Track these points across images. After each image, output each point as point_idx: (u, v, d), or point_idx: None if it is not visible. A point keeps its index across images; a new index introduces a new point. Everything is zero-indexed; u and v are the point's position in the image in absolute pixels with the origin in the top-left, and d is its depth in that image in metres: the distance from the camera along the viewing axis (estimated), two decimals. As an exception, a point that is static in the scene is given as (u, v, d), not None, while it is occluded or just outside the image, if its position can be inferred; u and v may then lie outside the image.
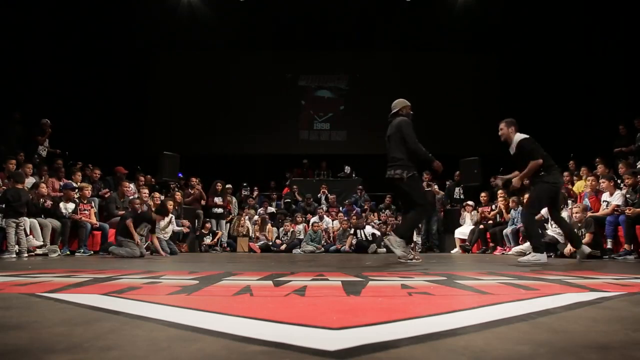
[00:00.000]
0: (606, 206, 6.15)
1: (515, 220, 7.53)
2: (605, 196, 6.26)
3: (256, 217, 9.50)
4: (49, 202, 6.62)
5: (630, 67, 9.25)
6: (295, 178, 11.45)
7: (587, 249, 4.80)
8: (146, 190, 7.91)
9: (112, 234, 7.07)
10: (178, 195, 8.45)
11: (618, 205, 5.95)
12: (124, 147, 11.05)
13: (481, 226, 8.44)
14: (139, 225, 6.18)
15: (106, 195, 7.75)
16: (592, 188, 6.68)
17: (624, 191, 6.16)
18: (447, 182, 10.03)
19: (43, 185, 6.71)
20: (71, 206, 6.86)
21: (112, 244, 6.28)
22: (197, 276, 2.74)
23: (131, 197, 7.57)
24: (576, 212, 5.91)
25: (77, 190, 7.23)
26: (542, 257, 4.47)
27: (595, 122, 9.67)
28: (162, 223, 7.12)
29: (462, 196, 9.64)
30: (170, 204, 7.25)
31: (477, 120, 11.67)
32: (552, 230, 6.54)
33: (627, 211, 5.64)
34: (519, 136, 4.65)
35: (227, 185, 9.86)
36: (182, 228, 8.03)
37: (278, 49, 12.79)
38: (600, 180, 6.46)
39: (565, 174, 8.20)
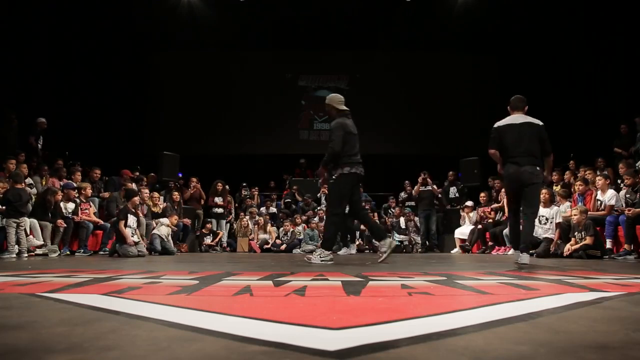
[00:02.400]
0: (600, 205, 6.15)
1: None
2: (598, 195, 6.25)
3: (257, 217, 9.49)
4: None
5: (630, 67, 9.25)
6: (295, 178, 11.45)
7: None
8: (146, 190, 7.92)
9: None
10: (176, 195, 8.45)
11: (612, 206, 5.95)
12: (124, 147, 11.05)
13: (480, 226, 8.43)
14: (127, 219, 6.12)
15: (106, 196, 7.76)
16: (579, 192, 6.68)
17: (623, 191, 6.15)
18: (445, 182, 10.04)
19: (59, 192, 6.73)
20: (71, 206, 6.87)
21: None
22: (197, 276, 2.74)
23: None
24: (575, 214, 5.89)
25: (77, 190, 7.23)
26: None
27: (595, 121, 9.66)
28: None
29: (457, 195, 9.70)
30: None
31: (477, 121, 11.66)
32: (542, 228, 6.53)
33: (627, 211, 5.63)
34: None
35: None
36: (181, 220, 8.09)
37: (278, 49, 12.78)
38: (597, 178, 6.44)
39: (567, 173, 8.21)
